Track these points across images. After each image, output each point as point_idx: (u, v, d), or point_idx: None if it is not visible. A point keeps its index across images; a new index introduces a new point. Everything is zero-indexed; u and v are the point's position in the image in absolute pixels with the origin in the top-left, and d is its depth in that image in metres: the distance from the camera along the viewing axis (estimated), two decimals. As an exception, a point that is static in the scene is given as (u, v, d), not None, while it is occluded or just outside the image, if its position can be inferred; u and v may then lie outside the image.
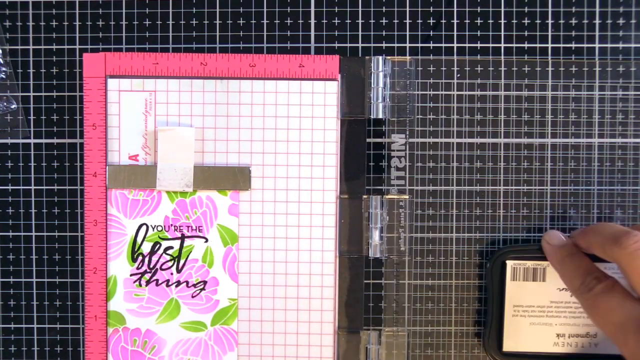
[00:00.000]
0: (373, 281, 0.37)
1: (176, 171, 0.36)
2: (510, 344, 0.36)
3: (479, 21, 0.37)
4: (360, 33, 0.37)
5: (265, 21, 0.37)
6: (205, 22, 0.37)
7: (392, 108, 0.36)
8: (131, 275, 0.37)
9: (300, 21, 0.37)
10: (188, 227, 0.37)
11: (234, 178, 0.36)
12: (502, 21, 0.37)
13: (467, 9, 0.37)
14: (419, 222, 0.37)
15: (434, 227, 0.37)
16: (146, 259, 0.37)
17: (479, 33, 0.37)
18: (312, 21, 0.37)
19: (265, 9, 0.37)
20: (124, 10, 0.37)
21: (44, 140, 0.37)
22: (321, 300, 0.36)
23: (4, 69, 0.37)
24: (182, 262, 0.37)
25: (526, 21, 0.37)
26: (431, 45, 0.37)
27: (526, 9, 0.37)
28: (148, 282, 0.37)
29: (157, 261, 0.37)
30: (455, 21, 0.37)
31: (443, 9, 0.37)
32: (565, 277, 0.33)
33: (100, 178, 0.36)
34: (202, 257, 0.37)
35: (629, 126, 0.37)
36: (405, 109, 0.36)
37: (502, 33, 0.37)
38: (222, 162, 0.36)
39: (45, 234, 0.37)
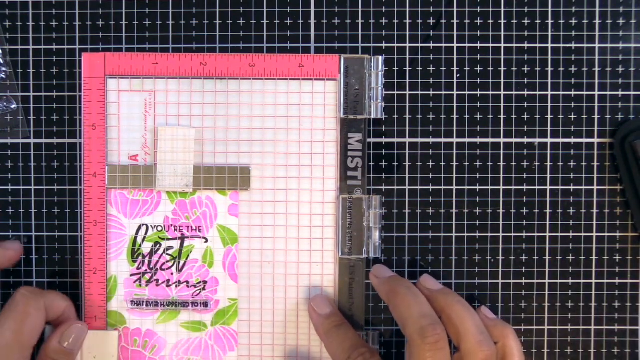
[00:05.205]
0: (373, 281, 0.37)
1: (176, 171, 0.36)
2: None
3: (479, 21, 0.37)
4: (360, 33, 0.37)
5: (265, 21, 0.37)
6: (205, 22, 0.37)
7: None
8: (131, 275, 0.37)
9: (300, 21, 0.37)
10: (188, 227, 0.37)
11: (233, 178, 0.36)
12: (502, 21, 0.37)
13: (467, 9, 0.37)
14: (419, 222, 0.37)
15: (434, 227, 0.37)
16: (146, 259, 0.37)
17: (479, 33, 0.37)
18: (312, 21, 0.37)
19: (265, 9, 0.37)
20: (124, 10, 0.37)
21: (44, 140, 0.37)
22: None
23: (4, 69, 0.37)
24: (182, 262, 0.37)
25: (526, 21, 0.37)
26: (431, 45, 0.37)
27: (526, 9, 0.37)
28: (148, 282, 0.37)
29: (157, 261, 0.37)
30: (455, 21, 0.37)
31: (443, 9, 0.37)
32: (330, 349, 0.33)
33: (100, 178, 0.36)
34: (202, 257, 0.37)
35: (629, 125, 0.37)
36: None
37: (502, 33, 0.37)
38: (222, 162, 0.36)
39: (45, 234, 0.37)
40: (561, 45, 0.37)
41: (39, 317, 0.33)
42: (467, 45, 0.37)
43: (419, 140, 0.37)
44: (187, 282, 0.37)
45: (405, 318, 0.31)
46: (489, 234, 0.37)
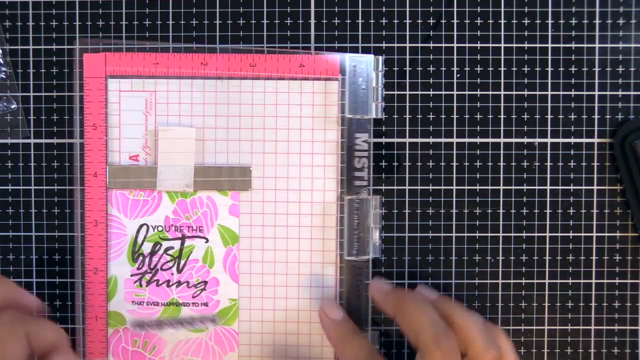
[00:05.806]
0: (373, 281, 0.37)
1: (176, 171, 0.36)
2: None
3: (479, 21, 0.37)
4: (360, 33, 0.37)
5: (265, 21, 0.37)
6: (205, 22, 0.37)
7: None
8: (132, 275, 0.37)
9: (300, 21, 0.37)
10: (188, 227, 0.36)
11: (234, 178, 0.36)
12: (502, 21, 0.37)
13: (467, 9, 0.37)
14: (419, 222, 0.37)
15: (434, 227, 0.37)
16: (147, 260, 0.37)
17: (479, 33, 0.37)
18: (312, 21, 0.37)
19: (265, 9, 0.37)
20: (124, 10, 0.37)
21: (43, 140, 0.37)
22: (322, 301, 0.36)
23: (4, 69, 0.37)
24: (182, 262, 0.37)
25: (526, 21, 0.37)
26: (431, 45, 0.37)
27: (526, 9, 0.37)
28: (149, 283, 0.37)
29: (158, 261, 0.37)
30: (455, 21, 0.37)
31: (443, 9, 0.37)
32: (343, 355, 0.33)
33: (100, 178, 0.36)
34: (203, 258, 0.37)
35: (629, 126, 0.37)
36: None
37: (502, 33, 0.37)
38: (223, 162, 0.36)
39: (45, 234, 0.37)
40: (561, 45, 0.37)
41: (17, 348, 0.30)
42: (467, 45, 0.37)
43: (419, 140, 0.37)
44: (188, 282, 0.37)
45: (417, 327, 0.31)
46: (489, 234, 0.37)
